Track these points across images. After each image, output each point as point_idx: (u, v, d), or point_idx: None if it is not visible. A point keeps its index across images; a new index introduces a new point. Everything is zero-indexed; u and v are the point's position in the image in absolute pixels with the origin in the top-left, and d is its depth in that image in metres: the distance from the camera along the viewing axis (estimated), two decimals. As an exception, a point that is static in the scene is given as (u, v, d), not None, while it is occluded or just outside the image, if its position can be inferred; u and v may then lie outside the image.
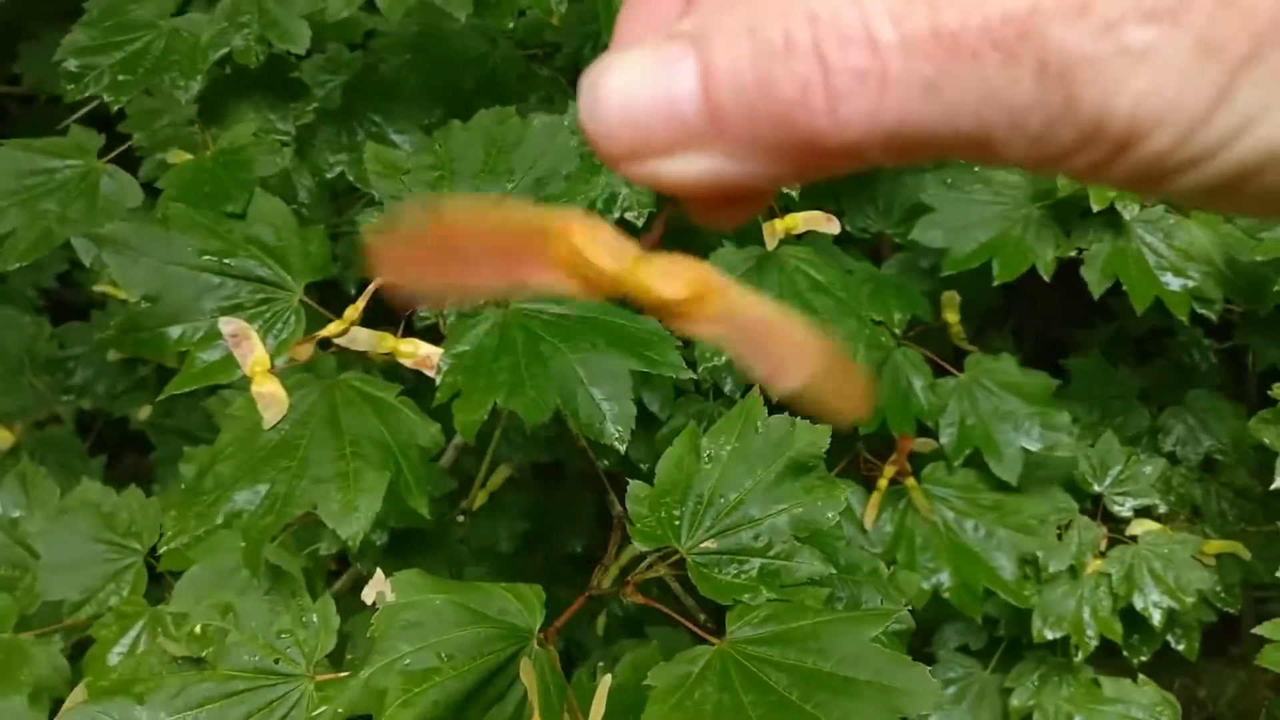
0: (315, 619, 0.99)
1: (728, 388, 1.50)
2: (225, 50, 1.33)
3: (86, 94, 1.31)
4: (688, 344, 1.43)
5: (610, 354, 1.04)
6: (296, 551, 1.19)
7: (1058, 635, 1.66)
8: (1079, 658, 1.67)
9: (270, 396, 1.01)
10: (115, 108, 1.31)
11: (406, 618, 0.86)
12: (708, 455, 1.02)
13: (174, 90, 1.32)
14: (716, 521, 0.99)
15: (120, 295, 1.34)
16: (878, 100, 0.27)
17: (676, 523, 0.99)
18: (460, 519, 1.43)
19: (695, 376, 1.06)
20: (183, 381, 1.08)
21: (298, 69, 1.42)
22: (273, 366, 1.04)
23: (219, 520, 0.94)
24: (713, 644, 0.91)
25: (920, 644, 1.88)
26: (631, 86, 0.29)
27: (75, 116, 1.46)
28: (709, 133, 0.29)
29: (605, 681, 0.87)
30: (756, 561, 0.97)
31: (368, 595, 0.99)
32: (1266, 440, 1.57)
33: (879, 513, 1.58)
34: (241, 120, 1.37)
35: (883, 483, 1.59)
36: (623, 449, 1.00)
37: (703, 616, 1.03)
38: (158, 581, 1.30)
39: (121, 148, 1.35)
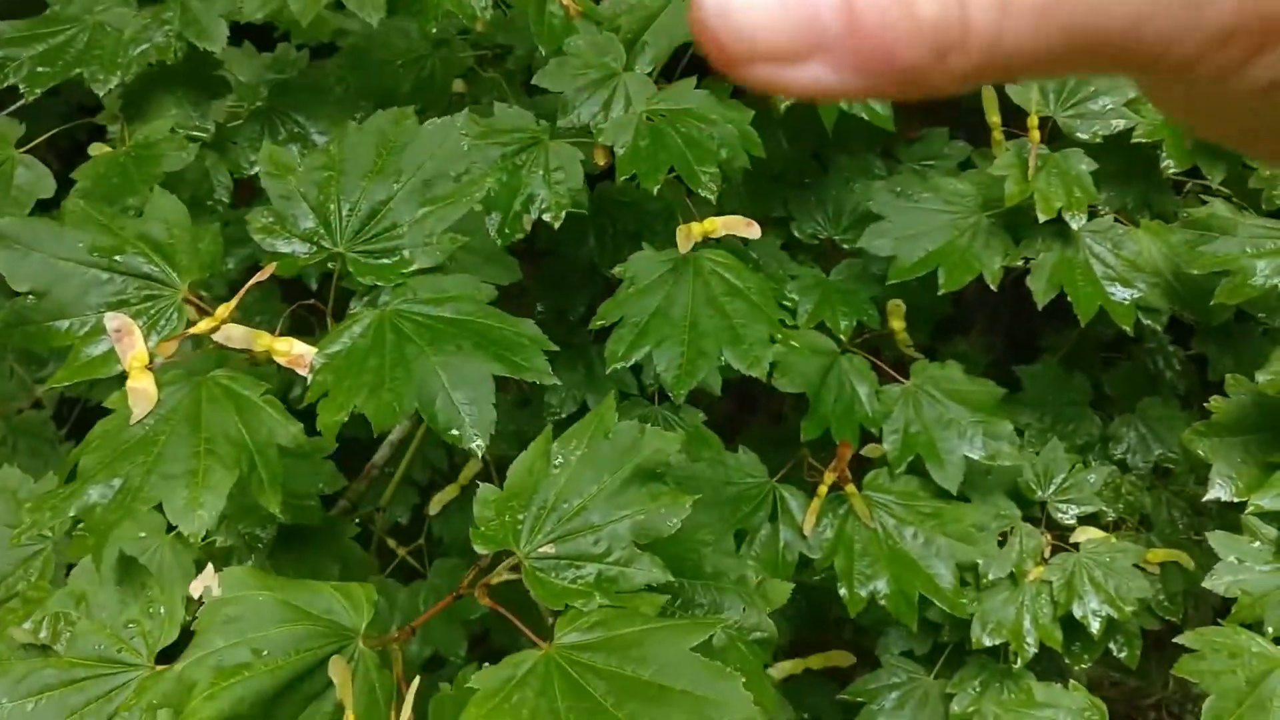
0: (162, 610, 1.01)
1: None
2: (145, 46, 1.35)
3: (4, 85, 1.34)
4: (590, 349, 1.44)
5: (474, 357, 1.05)
6: (189, 544, 1.21)
7: (996, 642, 1.66)
8: (1018, 664, 1.67)
9: (141, 392, 1.04)
10: (30, 98, 1.34)
11: (227, 612, 0.88)
12: (558, 461, 1.03)
13: (94, 84, 1.35)
14: (558, 526, 1.00)
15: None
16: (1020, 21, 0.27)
17: (519, 527, 1.00)
18: (376, 510, 1.45)
19: (557, 382, 1.06)
20: (67, 374, 1.11)
21: (221, 66, 1.44)
22: (151, 362, 1.07)
23: (71, 513, 0.96)
24: (541, 647, 0.92)
25: (868, 648, 1.88)
26: None
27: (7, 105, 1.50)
28: (844, 45, 0.28)
29: (415, 683, 0.89)
30: (593, 567, 0.98)
31: (195, 589, 1.01)
32: (1201, 452, 1.55)
33: (819, 519, 1.58)
34: (163, 115, 1.39)
35: (822, 489, 1.58)
36: (480, 454, 1.02)
37: (550, 621, 1.04)
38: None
39: (41, 139, 1.38)
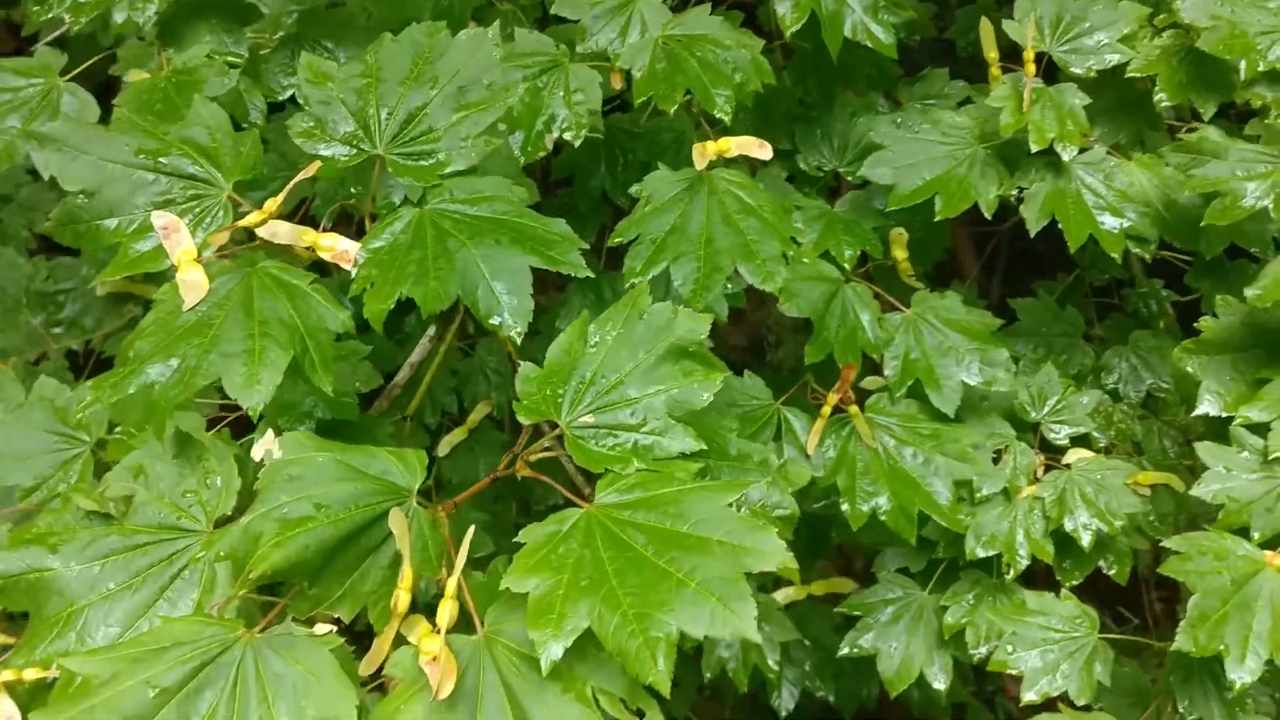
0: (219, 481, 1.06)
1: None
2: (182, -27, 1.40)
3: (50, 15, 1.38)
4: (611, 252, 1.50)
5: (512, 250, 1.11)
6: (230, 442, 1.26)
7: (990, 553, 1.71)
8: (1010, 576, 1.72)
9: (192, 283, 1.09)
10: (75, 28, 1.38)
11: (289, 472, 0.94)
12: (595, 340, 1.09)
13: (133, 12, 1.39)
14: (597, 399, 1.06)
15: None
16: None
17: (560, 400, 1.06)
18: (400, 419, 1.50)
19: (591, 274, 1.11)
20: (116, 269, 1.16)
21: (252, -5, 1.49)
22: (199, 257, 1.12)
23: (131, 390, 1.01)
24: (582, 507, 0.98)
25: (866, 566, 1.94)
26: None
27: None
28: None
29: (470, 531, 0.94)
30: (630, 436, 1.04)
31: (256, 452, 1.07)
32: (1190, 369, 1.62)
33: (822, 439, 1.64)
34: (198, 42, 1.44)
35: (826, 409, 1.64)
36: (519, 341, 1.07)
37: (587, 491, 1.10)
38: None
39: (83, 66, 1.42)
